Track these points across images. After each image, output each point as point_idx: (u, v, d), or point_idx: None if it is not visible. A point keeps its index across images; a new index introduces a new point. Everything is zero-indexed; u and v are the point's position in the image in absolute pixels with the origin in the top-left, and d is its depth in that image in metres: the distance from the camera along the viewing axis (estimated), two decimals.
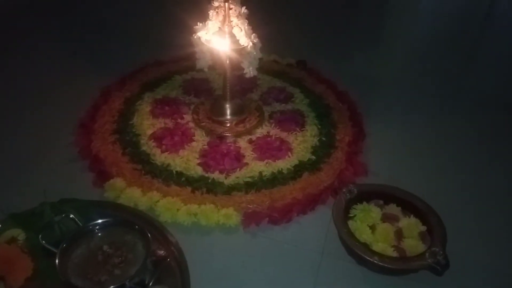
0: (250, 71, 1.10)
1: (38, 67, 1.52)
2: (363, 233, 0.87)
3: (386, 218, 0.91)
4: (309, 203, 1.01)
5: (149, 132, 1.20)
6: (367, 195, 0.95)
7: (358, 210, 0.93)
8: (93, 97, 1.33)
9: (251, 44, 1.06)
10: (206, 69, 1.15)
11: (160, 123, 1.23)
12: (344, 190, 0.94)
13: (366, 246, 0.84)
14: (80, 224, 0.85)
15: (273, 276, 0.87)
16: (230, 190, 1.04)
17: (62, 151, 1.14)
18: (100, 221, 0.84)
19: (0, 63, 1.52)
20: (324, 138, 1.21)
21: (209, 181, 1.06)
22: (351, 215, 0.92)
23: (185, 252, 0.86)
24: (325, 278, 0.86)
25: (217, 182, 1.06)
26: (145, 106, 1.30)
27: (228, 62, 1.14)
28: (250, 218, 0.98)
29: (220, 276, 0.87)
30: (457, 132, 1.29)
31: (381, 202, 0.95)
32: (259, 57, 1.09)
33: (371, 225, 0.90)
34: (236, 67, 1.14)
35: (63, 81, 1.45)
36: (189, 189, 1.04)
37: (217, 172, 1.08)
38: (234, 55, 1.09)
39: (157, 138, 1.17)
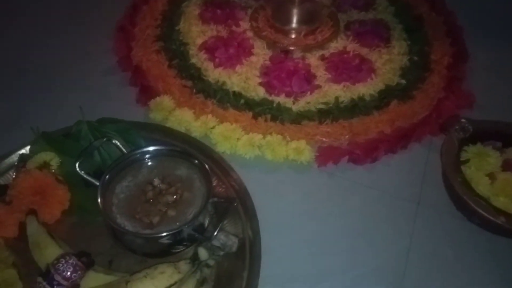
0: None
1: None
2: (480, 184, 0.68)
3: (507, 165, 0.71)
4: (400, 140, 0.81)
5: (199, 41, 0.98)
6: (481, 135, 0.74)
7: (471, 153, 0.72)
8: None
9: None
10: None
11: (212, 30, 1.01)
12: (456, 127, 0.72)
13: (487, 202, 0.65)
14: (124, 151, 0.69)
15: (357, 226, 0.71)
16: (299, 118, 0.85)
17: (99, 60, 0.96)
18: (151, 148, 0.68)
19: None
20: (415, 58, 0.97)
21: (274, 105, 0.86)
22: (461, 160, 0.72)
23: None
24: (424, 234, 0.70)
25: (284, 107, 0.86)
26: (192, 9, 1.06)
27: None
28: (326, 155, 0.79)
29: (291, 222, 0.71)
30: None
31: (499, 144, 0.74)
32: None
33: (488, 173, 0.70)
34: None
35: None
36: (249, 114, 0.85)
37: (283, 95, 0.88)
38: None
39: (209, 49, 0.96)
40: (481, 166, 0.70)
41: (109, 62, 0.95)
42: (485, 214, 0.63)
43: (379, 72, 0.93)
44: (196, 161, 0.67)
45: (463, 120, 0.74)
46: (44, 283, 0.55)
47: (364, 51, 0.97)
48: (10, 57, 0.97)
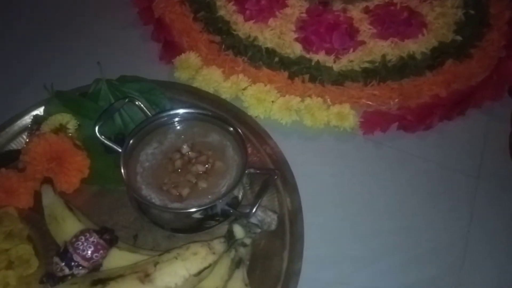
0: None
1: None
2: None
3: None
4: (457, 105, 0.72)
5: None
6: None
7: None
8: None
9: None
10: None
11: None
12: None
13: None
14: (149, 113, 0.62)
15: (408, 202, 0.63)
16: (341, 78, 0.76)
17: (117, 12, 0.86)
18: (180, 111, 0.60)
19: None
20: (472, 11, 0.85)
21: (312, 64, 0.77)
22: None
23: None
24: (485, 212, 0.62)
25: (324, 66, 0.77)
26: None
27: None
28: (373, 121, 0.71)
29: (333, 197, 0.64)
30: None
31: None
32: None
33: None
34: None
35: None
36: (285, 74, 0.76)
37: (322, 53, 0.78)
38: None
39: (238, 0, 0.86)
40: None
41: (129, 14, 0.85)
42: None
43: (431, 27, 0.82)
44: (230, 128, 0.59)
45: None
46: (62, 264, 0.48)
47: (414, 3, 0.86)
48: (22, 10, 0.89)
